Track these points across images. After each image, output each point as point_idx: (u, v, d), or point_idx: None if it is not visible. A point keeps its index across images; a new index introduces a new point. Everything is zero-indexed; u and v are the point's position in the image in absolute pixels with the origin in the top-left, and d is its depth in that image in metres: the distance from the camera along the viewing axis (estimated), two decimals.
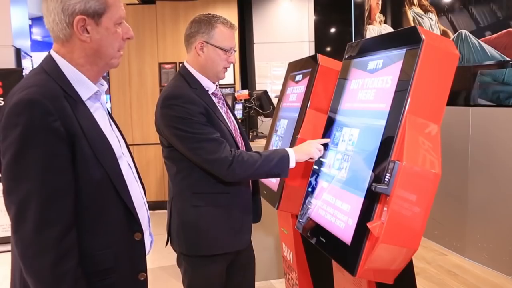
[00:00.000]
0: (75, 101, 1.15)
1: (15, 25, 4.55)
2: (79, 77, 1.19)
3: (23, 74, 4.30)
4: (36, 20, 7.88)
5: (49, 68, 1.17)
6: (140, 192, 1.33)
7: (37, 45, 7.89)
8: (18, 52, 4.52)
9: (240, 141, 1.94)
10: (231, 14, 5.64)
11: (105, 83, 1.31)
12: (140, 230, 1.26)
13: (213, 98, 1.89)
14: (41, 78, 1.15)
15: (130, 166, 1.30)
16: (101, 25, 1.17)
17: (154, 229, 1.42)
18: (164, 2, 5.75)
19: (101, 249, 1.18)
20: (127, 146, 1.38)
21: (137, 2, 5.66)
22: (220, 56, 1.85)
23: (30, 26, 7.38)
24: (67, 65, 1.18)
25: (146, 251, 1.33)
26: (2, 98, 4.24)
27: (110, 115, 1.35)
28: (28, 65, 4.80)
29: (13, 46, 4.44)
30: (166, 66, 5.79)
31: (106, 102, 1.24)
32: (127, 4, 5.65)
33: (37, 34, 8.29)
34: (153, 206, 5.36)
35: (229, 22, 1.88)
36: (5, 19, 4.40)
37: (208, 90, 1.87)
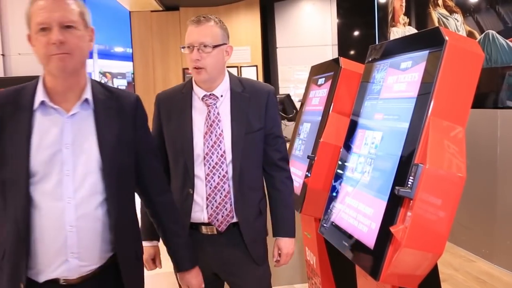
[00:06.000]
0: (16, 109, 1.24)
1: None
2: (40, 86, 1.28)
3: None
4: None
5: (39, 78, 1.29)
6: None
7: None
8: None
9: (205, 164, 1.64)
10: (254, 19, 5.66)
11: (88, 106, 1.29)
12: None
13: (199, 103, 1.70)
14: (18, 86, 1.28)
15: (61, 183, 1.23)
16: (32, 34, 1.24)
17: None
18: (188, 8, 5.82)
19: None
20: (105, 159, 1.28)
21: (161, 9, 5.75)
22: (188, 57, 1.70)
23: None
24: (43, 75, 1.29)
25: None
26: None
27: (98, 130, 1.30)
28: None
29: None
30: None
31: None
32: (151, 11, 5.75)
33: None
34: None
35: (196, 18, 1.75)
36: None
37: (199, 96, 1.70)
